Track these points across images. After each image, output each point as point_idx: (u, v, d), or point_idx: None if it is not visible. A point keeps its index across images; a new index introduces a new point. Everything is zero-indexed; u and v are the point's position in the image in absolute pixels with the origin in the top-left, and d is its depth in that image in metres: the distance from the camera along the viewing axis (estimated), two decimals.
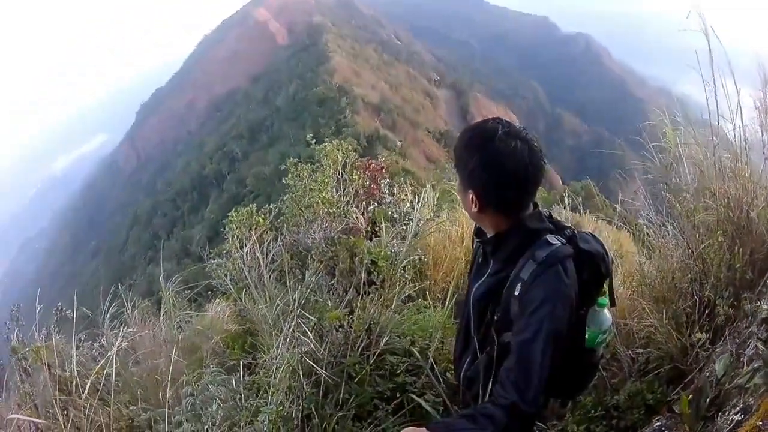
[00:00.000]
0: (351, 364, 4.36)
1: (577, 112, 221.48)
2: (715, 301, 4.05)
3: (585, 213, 8.87)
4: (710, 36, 4.28)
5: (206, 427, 3.80)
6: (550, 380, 2.32)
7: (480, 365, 2.70)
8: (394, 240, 6.43)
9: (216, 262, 7.17)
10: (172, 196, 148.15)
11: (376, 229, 7.18)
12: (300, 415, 3.92)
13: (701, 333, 3.97)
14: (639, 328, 4.66)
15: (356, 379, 4.32)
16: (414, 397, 4.17)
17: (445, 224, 7.55)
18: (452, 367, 3.86)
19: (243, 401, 4.12)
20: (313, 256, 6.29)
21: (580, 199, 7.93)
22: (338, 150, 8.13)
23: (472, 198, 2.58)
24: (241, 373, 4.31)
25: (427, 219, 7.34)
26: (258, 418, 3.82)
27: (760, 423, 2.65)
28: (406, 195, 8.26)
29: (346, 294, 5.29)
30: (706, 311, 4.13)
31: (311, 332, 4.33)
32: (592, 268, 2.64)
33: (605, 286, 2.75)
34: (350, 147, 8.52)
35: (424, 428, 2.17)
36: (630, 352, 4.60)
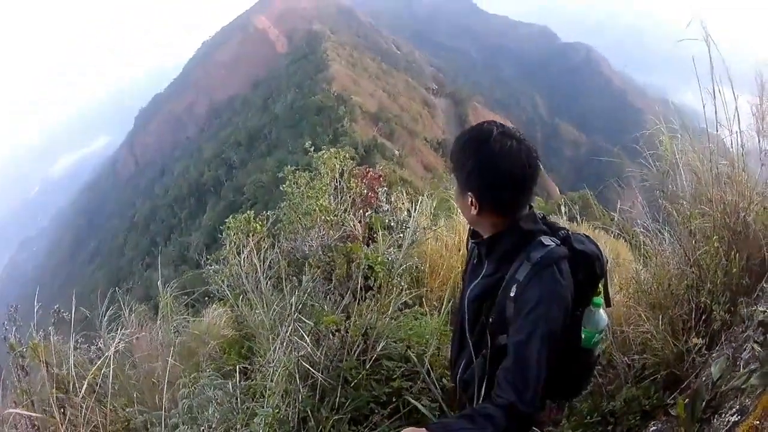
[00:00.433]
0: (347, 369, 4.36)
1: (576, 122, 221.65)
2: (711, 307, 4.06)
3: (582, 222, 8.88)
4: (710, 44, 4.30)
5: (202, 429, 3.80)
6: (547, 381, 2.33)
7: (476, 367, 2.71)
8: (391, 248, 6.44)
9: (213, 268, 7.18)
10: (170, 202, 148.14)
11: (373, 235, 7.19)
12: (296, 418, 3.93)
13: (697, 339, 3.98)
14: (635, 335, 4.67)
15: (353, 384, 4.33)
16: (410, 400, 4.17)
17: (442, 232, 7.56)
18: (448, 372, 3.86)
19: (239, 404, 4.12)
20: (311, 263, 6.29)
21: (577, 207, 7.92)
22: (335, 158, 8.14)
23: (471, 200, 2.58)
24: (238, 377, 4.31)
25: (423, 227, 7.35)
26: (254, 421, 3.83)
27: (758, 422, 2.66)
28: (403, 203, 8.27)
29: (343, 299, 5.30)
30: (703, 317, 4.14)
31: (308, 336, 4.34)
32: (587, 269, 2.66)
33: (600, 286, 2.76)
34: (347, 155, 8.53)
35: (423, 429, 2.16)
36: (626, 358, 4.61)
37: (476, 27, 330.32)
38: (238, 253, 6.68)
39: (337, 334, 4.55)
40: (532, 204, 2.69)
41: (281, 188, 8.25)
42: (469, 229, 2.96)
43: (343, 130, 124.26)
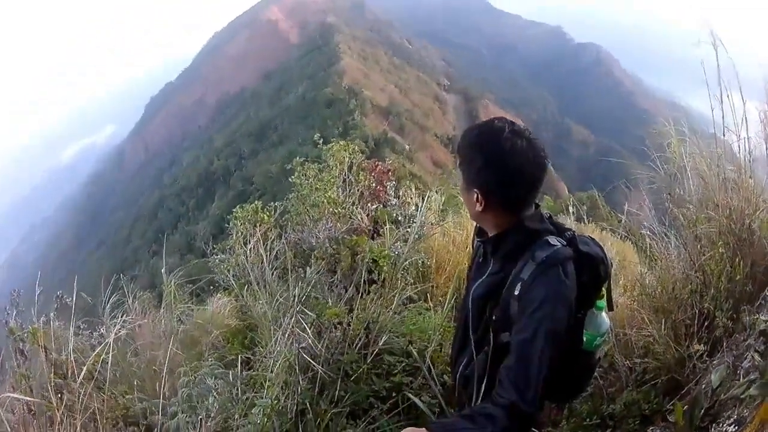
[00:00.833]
0: (348, 362, 4.37)
1: (585, 123, 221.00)
2: (714, 313, 4.05)
3: (589, 223, 8.86)
4: (719, 48, 4.29)
5: (200, 417, 3.80)
6: (547, 382, 2.32)
7: (476, 365, 2.70)
8: (398, 242, 6.44)
9: (219, 258, 7.19)
10: (178, 191, 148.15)
11: (379, 228, 7.19)
12: (295, 410, 3.93)
13: (699, 345, 3.97)
14: (638, 338, 4.65)
15: (353, 377, 4.33)
16: (410, 396, 4.17)
17: (450, 228, 7.55)
18: (449, 369, 3.86)
19: (239, 395, 4.13)
20: (317, 255, 6.29)
21: (585, 208, 7.91)
22: (345, 150, 8.14)
23: (477, 197, 2.58)
24: (239, 368, 4.32)
25: (431, 223, 7.34)
26: (252, 411, 3.83)
27: None
28: (411, 198, 8.26)
29: (347, 292, 5.29)
30: (705, 323, 4.12)
31: (310, 328, 4.34)
32: (591, 271, 2.65)
33: (603, 289, 2.76)
34: (357, 148, 8.54)
35: (423, 429, 2.16)
36: (628, 361, 4.59)
37: (488, 25, 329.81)
38: (245, 243, 6.68)
39: (339, 327, 4.56)
40: (538, 203, 2.68)
41: (290, 180, 8.27)
42: (476, 226, 2.96)
43: (353, 123, 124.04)
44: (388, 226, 6.82)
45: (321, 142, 8.81)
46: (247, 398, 4.10)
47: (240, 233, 7.18)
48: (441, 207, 7.96)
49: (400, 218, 7.62)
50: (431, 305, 5.87)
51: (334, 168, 8.05)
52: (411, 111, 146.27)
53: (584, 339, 2.70)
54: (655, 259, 5.05)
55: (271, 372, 4.04)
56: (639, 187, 5.75)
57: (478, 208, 2.62)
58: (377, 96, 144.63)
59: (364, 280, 5.20)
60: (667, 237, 4.96)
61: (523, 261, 2.52)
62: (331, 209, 7.44)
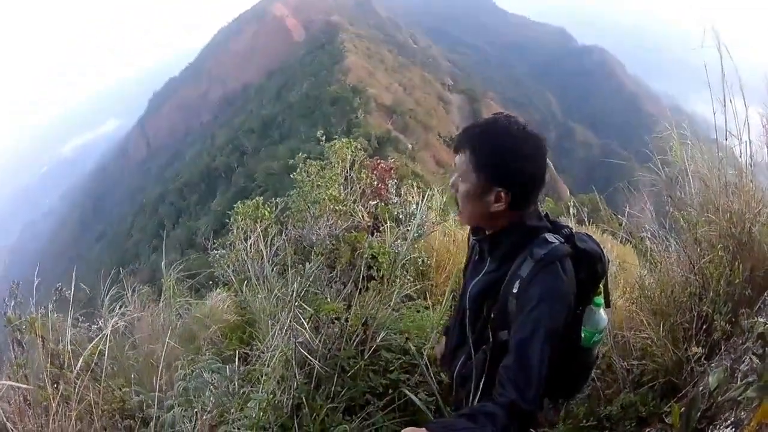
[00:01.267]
0: (345, 358, 4.37)
1: (588, 125, 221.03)
2: (712, 317, 4.05)
3: (590, 225, 8.87)
4: (722, 52, 4.28)
5: (196, 411, 3.81)
6: (547, 381, 2.33)
7: (475, 363, 2.70)
8: (398, 240, 6.45)
9: (219, 253, 7.21)
10: (180, 186, 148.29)
11: (379, 225, 7.21)
12: (290, 405, 3.94)
13: (697, 348, 3.97)
14: (636, 340, 4.66)
15: (349, 373, 4.33)
16: (407, 392, 4.16)
17: (451, 228, 7.56)
18: (442, 366, 3.87)
19: (236, 389, 4.13)
20: (316, 251, 6.30)
21: (587, 209, 7.92)
22: (347, 148, 8.16)
23: (499, 196, 2.56)
24: (237, 363, 4.32)
25: (432, 221, 7.35)
26: (248, 405, 3.84)
27: None
28: (413, 197, 8.27)
29: (345, 287, 5.30)
30: (704, 326, 4.13)
31: (308, 323, 4.34)
32: (589, 268, 2.67)
33: (601, 286, 2.77)
34: (359, 146, 8.56)
35: (423, 429, 2.13)
36: (625, 363, 4.60)
37: (493, 25, 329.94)
38: (245, 239, 6.70)
39: (336, 322, 4.56)
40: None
41: (292, 176, 8.28)
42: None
43: (357, 121, 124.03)
44: (388, 223, 6.83)
45: (324, 139, 8.83)
46: (243, 393, 4.11)
47: (240, 229, 7.19)
48: (442, 206, 7.96)
49: (401, 217, 7.63)
50: (430, 303, 5.88)
51: (336, 165, 8.07)
52: (415, 110, 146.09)
53: (582, 336, 2.71)
54: (655, 262, 5.05)
55: (268, 366, 4.04)
56: (641, 190, 5.76)
57: (497, 207, 2.59)
58: (381, 94, 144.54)
59: (363, 276, 5.20)
60: (667, 240, 4.97)
61: (522, 258, 2.53)
62: (332, 206, 7.45)
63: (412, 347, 4.53)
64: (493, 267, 2.71)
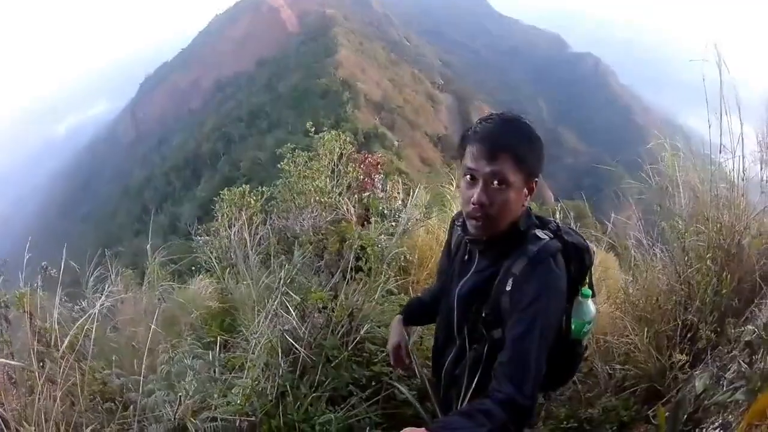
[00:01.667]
0: (330, 347, 4.38)
1: (578, 132, 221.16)
2: (698, 325, 4.08)
3: None
4: (713, 68, 4.30)
5: (180, 395, 3.80)
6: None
7: (467, 362, 2.70)
8: (382, 235, 6.46)
9: (203, 239, 7.20)
10: (166, 171, 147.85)
11: (369, 216, 7.23)
12: (275, 393, 3.93)
13: (681, 355, 3.99)
14: (618, 345, 4.68)
15: (333, 363, 4.34)
16: (396, 385, 4.19)
17: (434, 226, 7.58)
18: (429, 362, 3.86)
19: (218, 374, 4.12)
20: (300, 242, 6.30)
21: (572, 214, 7.94)
22: (336, 141, 8.16)
23: (532, 186, 2.57)
24: (218, 349, 4.31)
25: (416, 218, 7.37)
26: (232, 392, 3.83)
27: None
28: (398, 193, 8.30)
29: (333, 277, 5.31)
30: (688, 335, 4.15)
31: (294, 311, 4.34)
32: (578, 261, 2.70)
33: (588, 277, 2.80)
34: (348, 139, 8.56)
35: (423, 429, 2.10)
36: (608, 367, 4.63)
37: (488, 27, 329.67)
38: (230, 226, 6.69)
39: (323, 311, 4.57)
40: None
41: (278, 166, 8.29)
42: (456, 221, 2.98)
43: (345, 115, 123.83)
44: (374, 218, 6.85)
45: (313, 130, 8.83)
46: (225, 379, 4.10)
47: (225, 216, 7.18)
48: (426, 204, 7.98)
49: (386, 212, 7.65)
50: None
51: (324, 157, 8.06)
52: (403, 107, 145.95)
53: (572, 327, 2.74)
54: (640, 270, 5.07)
55: (253, 353, 4.04)
56: (628, 199, 5.78)
57: (528, 199, 2.60)
58: (371, 90, 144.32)
59: (351, 267, 5.21)
60: (653, 248, 4.99)
61: (514, 256, 2.53)
62: (317, 198, 7.45)
63: None
64: (483, 266, 2.71)
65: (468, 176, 2.51)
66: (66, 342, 3.81)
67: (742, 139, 4.34)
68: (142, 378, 3.91)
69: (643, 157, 5.31)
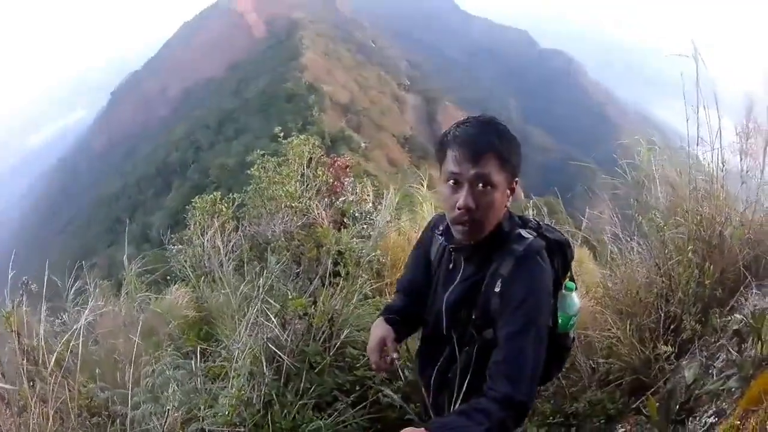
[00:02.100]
0: (312, 354, 4.37)
1: (549, 130, 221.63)
2: (681, 317, 4.10)
3: None
4: (690, 63, 4.33)
5: (166, 408, 3.77)
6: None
7: (458, 366, 2.68)
8: (354, 239, 6.46)
9: (177, 248, 7.18)
10: (137, 180, 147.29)
11: (345, 222, 7.24)
12: (261, 402, 3.92)
13: (666, 346, 4.01)
14: (601, 339, 4.69)
15: (316, 370, 4.33)
16: (389, 393, 4.17)
17: (406, 227, 7.59)
18: (409, 364, 3.86)
19: (201, 385, 4.10)
20: (273, 248, 6.29)
21: (546, 210, 7.96)
22: (305, 145, 8.16)
23: (514, 187, 2.59)
24: (198, 358, 4.29)
25: (387, 221, 7.38)
26: (219, 402, 3.80)
27: (738, 422, 2.73)
28: (368, 195, 8.31)
29: (311, 283, 5.30)
30: (672, 326, 4.17)
31: (275, 318, 4.33)
32: (561, 256, 2.74)
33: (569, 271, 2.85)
34: (316, 143, 8.58)
35: (422, 429, 2.11)
36: (590, 362, 4.64)
37: (456, 27, 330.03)
38: (202, 234, 6.67)
39: (304, 318, 4.56)
40: None
41: (248, 172, 8.29)
42: (436, 231, 2.94)
43: (312, 118, 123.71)
44: (349, 223, 6.86)
45: (282, 135, 8.81)
46: (208, 390, 4.08)
47: (198, 224, 7.15)
48: (396, 205, 7.98)
49: (357, 215, 7.66)
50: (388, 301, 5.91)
51: (293, 162, 8.05)
52: (369, 109, 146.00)
53: (559, 321, 2.76)
54: (617, 264, 5.09)
55: (237, 363, 4.02)
56: (601, 195, 5.80)
57: (510, 199, 2.61)
58: (337, 93, 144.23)
59: (329, 272, 5.20)
60: (630, 242, 5.01)
61: (500, 258, 2.52)
62: (288, 203, 7.44)
63: None
64: (469, 272, 2.69)
65: (451, 181, 2.48)
66: (53, 359, 3.78)
67: (720, 131, 4.38)
68: (128, 391, 3.89)
69: (617, 152, 5.33)
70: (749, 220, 4.35)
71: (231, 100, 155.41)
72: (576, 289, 2.79)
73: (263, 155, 8.26)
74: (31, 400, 3.48)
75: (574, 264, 2.90)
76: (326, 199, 7.95)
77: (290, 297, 4.82)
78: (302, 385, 4.14)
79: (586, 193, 6.29)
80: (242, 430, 3.78)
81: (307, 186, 7.93)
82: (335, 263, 5.56)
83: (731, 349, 3.34)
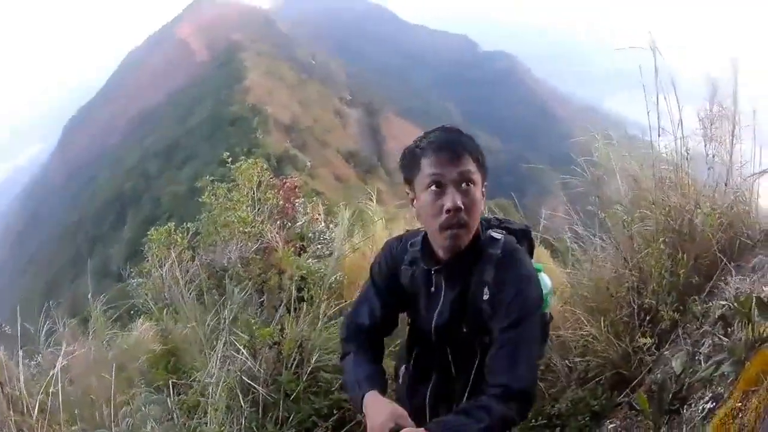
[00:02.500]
0: (286, 382, 4.34)
1: (494, 131, 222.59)
2: (657, 308, 4.12)
3: None
4: (645, 54, 4.37)
5: None
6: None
7: (457, 384, 2.65)
8: (310, 260, 6.45)
9: (136, 282, 7.13)
10: (94, 212, 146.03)
11: (305, 246, 7.22)
12: None
13: (645, 338, 4.02)
14: (574, 338, 4.69)
15: (292, 397, 4.30)
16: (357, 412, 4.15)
17: (360, 244, 7.57)
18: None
19: (178, 420, 4.05)
20: (230, 276, 6.25)
21: (502, 214, 7.99)
22: (253, 169, 8.13)
23: (484, 192, 2.53)
24: (171, 392, 4.24)
25: (341, 239, 7.37)
26: None
27: (740, 404, 2.73)
28: (319, 215, 8.33)
29: (276, 311, 5.27)
30: (647, 318, 4.19)
31: (244, 350, 4.30)
32: (529, 244, 2.83)
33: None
34: (264, 166, 8.55)
35: (422, 429, 2.10)
36: (566, 361, 4.63)
37: (396, 36, 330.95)
38: (160, 266, 6.63)
39: (274, 347, 4.53)
40: None
41: (198, 200, 8.22)
42: (402, 264, 2.80)
43: (256, 141, 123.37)
44: (301, 243, 6.85)
45: (230, 161, 8.77)
46: (185, 425, 4.03)
47: (155, 256, 7.10)
48: (348, 222, 7.97)
49: (310, 235, 7.67)
50: None
51: (243, 187, 8.02)
52: (312, 127, 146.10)
53: None
54: (580, 262, 5.11)
55: (211, 397, 3.97)
56: (555, 193, 5.81)
57: (483, 204, 2.56)
58: (280, 113, 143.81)
59: (294, 298, 5.18)
60: (592, 239, 5.02)
61: (481, 265, 2.50)
62: (241, 228, 7.41)
63: None
64: (453, 293, 2.60)
65: (434, 186, 2.41)
66: (36, 406, 3.73)
67: (681, 120, 4.42)
68: (105, 430, 3.85)
69: (572, 150, 5.35)
70: (719, 205, 4.38)
71: (177, 127, 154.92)
72: (542, 270, 2.84)
73: (212, 181, 8.21)
74: None
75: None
76: (278, 222, 7.93)
77: (256, 327, 4.79)
78: (280, 414, 4.11)
79: (539, 192, 6.33)
80: None
81: (258, 210, 7.90)
82: (299, 289, 5.54)
83: (717, 335, 3.36)
